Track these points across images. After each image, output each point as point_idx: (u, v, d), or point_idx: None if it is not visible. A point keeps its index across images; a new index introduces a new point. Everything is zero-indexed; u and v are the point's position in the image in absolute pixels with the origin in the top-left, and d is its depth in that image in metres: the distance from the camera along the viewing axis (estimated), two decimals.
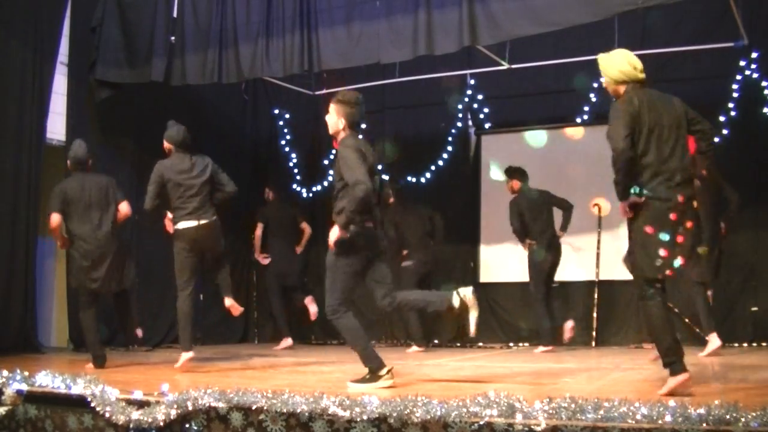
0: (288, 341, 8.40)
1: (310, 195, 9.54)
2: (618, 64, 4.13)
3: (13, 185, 7.03)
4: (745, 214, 7.14)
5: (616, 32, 7.16)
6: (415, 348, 7.91)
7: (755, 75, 7.67)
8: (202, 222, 5.86)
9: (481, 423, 3.08)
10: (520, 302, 7.88)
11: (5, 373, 4.13)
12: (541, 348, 7.51)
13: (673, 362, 3.86)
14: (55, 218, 5.92)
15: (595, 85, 8.26)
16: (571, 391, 3.59)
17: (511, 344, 8.46)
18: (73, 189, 6.01)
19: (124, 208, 6.19)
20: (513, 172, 7.78)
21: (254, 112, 9.76)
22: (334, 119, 4.67)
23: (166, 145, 6.02)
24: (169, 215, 5.92)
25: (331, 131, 4.72)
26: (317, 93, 9.14)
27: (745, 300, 7.67)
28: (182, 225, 5.84)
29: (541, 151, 8.76)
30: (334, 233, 4.48)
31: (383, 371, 4.51)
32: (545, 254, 7.54)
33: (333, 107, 4.69)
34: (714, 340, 6.38)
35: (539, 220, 7.63)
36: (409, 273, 7.91)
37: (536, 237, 7.58)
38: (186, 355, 5.68)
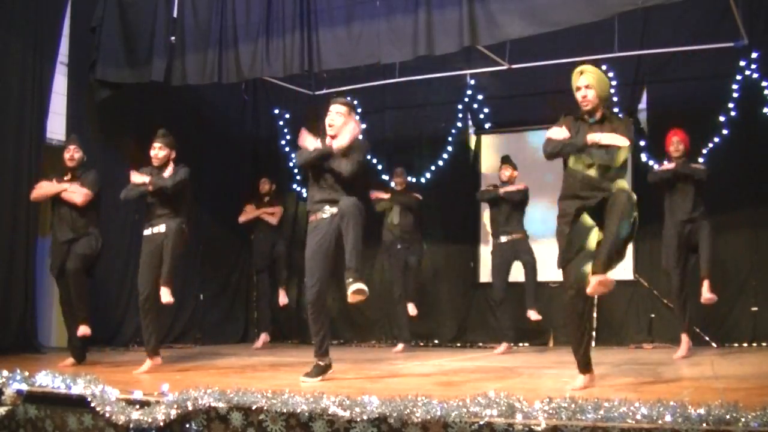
0: None
1: None
2: (608, 86, 4.48)
3: (13, 185, 7.02)
4: (745, 214, 7.13)
5: (616, 32, 7.16)
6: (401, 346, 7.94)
7: (755, 75, 7.66)
8: None
9: (481, 423, 3.08)
10: (520, 302, 7.86)
11: (5, 373, 4.13)
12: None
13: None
14: None
15: None
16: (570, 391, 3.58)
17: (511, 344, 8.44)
18: None
19: None
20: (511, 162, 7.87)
21: (254, 112, 9.77)
22: (354, 128, 4.96)
23: (173, 153, 5.96)
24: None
25: (349, 139, 4.93)
26: (317, 93, 9.13)
27: (745, 300, 7.66)
28: None
29: (541, 151, 8.73)
30: None
31: (329, 360, 4.91)
32: None
33: (353, 116, 5.04)
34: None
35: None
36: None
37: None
38: None
